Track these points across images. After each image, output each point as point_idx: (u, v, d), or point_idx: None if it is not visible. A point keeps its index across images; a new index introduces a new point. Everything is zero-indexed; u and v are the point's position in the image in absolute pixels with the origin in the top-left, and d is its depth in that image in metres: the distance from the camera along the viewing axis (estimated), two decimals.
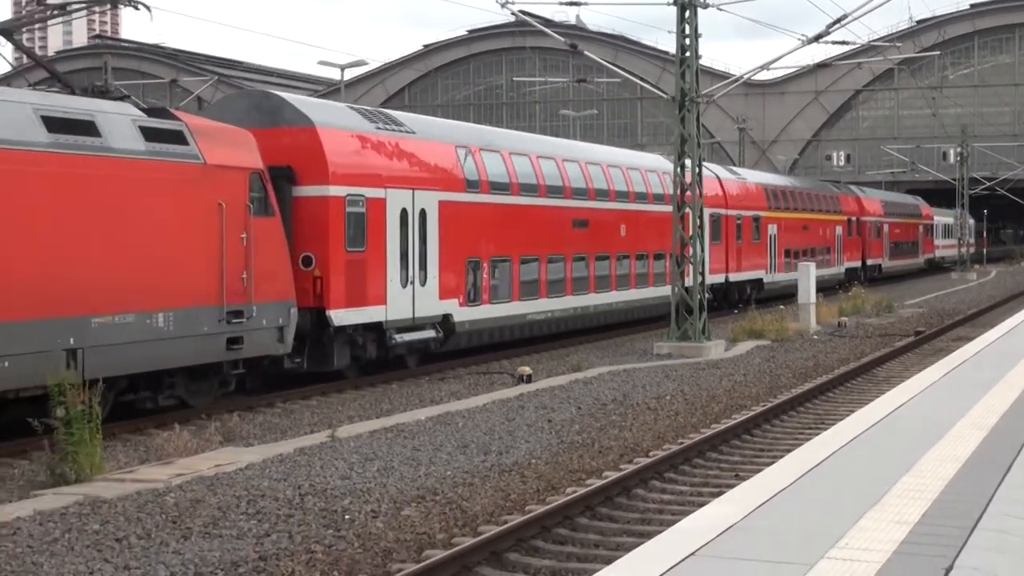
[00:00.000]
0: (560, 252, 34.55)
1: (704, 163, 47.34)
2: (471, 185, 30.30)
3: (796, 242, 56.83)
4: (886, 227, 76.38)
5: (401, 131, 28.37)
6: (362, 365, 26.84)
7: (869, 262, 71.32)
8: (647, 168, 42.13)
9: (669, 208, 40.28)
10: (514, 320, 32.27)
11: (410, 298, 27.35)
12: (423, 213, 27.96)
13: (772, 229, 53.35)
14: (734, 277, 48.70)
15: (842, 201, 66.87)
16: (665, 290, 39.49)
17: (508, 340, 32.72)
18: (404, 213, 27.28)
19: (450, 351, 30.05)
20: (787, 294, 49.24)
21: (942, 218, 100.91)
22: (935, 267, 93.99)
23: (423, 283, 27.86)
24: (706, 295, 40.59)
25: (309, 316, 24.48)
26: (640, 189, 40.25)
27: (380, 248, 26.41)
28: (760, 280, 52.11)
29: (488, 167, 31.30)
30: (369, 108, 30.04)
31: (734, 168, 56.18)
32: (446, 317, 28.90)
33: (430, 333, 28.29)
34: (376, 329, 26.41)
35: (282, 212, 23.89)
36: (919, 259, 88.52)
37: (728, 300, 49.17)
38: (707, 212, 42.17)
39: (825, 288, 51.84)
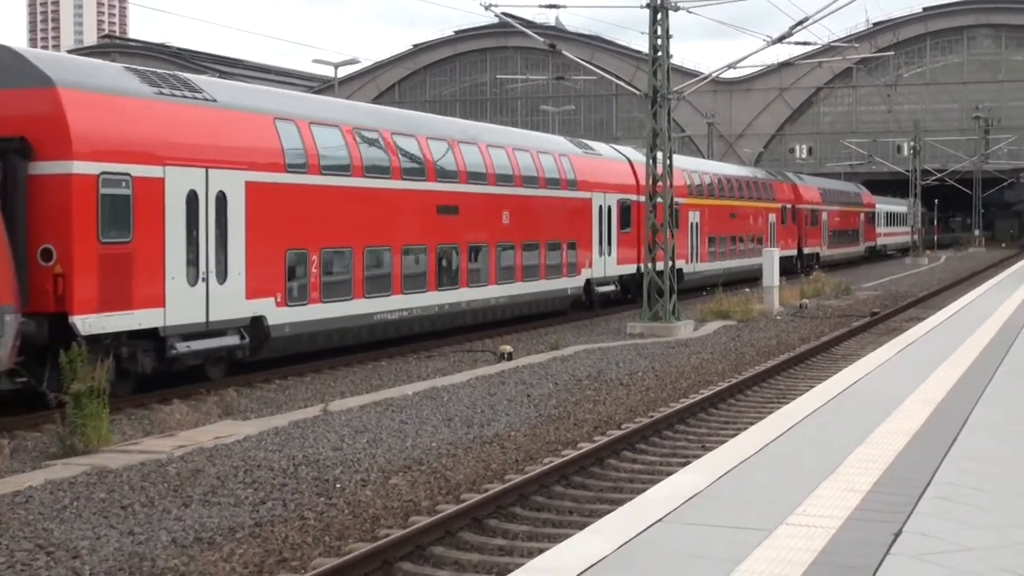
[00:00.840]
0: (420, 242, 28.94)
1: (614, 146, 43.72)
2: (295, 165, 24.53)
3: (722, 230, 51.03)
4: (824, 215, 70.41)
5: (195, 98, 22.47)
6: (138, 380, 21.07)
7: (806, 250, 65.24)
8: (539, 150, 36.24)
9: (566, 193, 36.74)
10: (356, 320, 26.35)
11: (202, 298, 21.80)
12: (222, 196, 22.36)
13: (693, 216, 47.20)
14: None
15: (775, 188, 60.86)
16: (561, 283, 36.24)
17: (356, 344, 26.95)
18: (193, 196, 21.69)
19: (271, 358, 24.43)
20: (712, 284, 44.85)
21: (885, 206, 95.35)
22: (878, 255, 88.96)
23: (222, 280, 22.25)
24: (612, 288, 39.35)
25: (48, 323, 19.00)
26: (530, 173, 34.67)
27: (155, 238, 20.72)
28: (680, 270, 41.92)
29: (321, 144, 25.49)
30: (155, 70, 23.48)
31: None
32: (257, 320, 23.21)
33: (232, 339, 22.64)
34: (152, 336, 20.87)
35: (14, 194, 18.93)
36: (860, 247, 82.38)
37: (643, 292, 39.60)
38: (613, 198, 39.27)
39: (755, 278, 46.68)
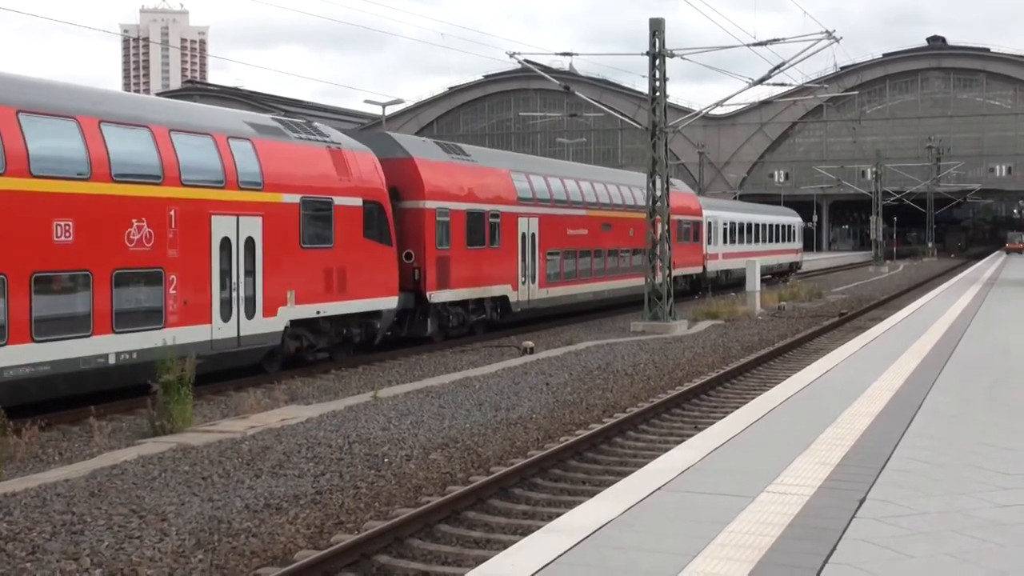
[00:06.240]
0: None
1: None
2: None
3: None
4: (532, 224, 32.34)
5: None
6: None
7: (438, 296, 27.75)
8: None
9: None
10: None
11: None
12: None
13: None
14: None
15: (261, 159, 21.17)
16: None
17: None
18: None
19: None
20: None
21: (727, 213, 54.89)
22: (717, 286, 49.10)
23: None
24: None
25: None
26: None
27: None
28: None
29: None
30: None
31: None
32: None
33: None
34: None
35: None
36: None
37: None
38: None
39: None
